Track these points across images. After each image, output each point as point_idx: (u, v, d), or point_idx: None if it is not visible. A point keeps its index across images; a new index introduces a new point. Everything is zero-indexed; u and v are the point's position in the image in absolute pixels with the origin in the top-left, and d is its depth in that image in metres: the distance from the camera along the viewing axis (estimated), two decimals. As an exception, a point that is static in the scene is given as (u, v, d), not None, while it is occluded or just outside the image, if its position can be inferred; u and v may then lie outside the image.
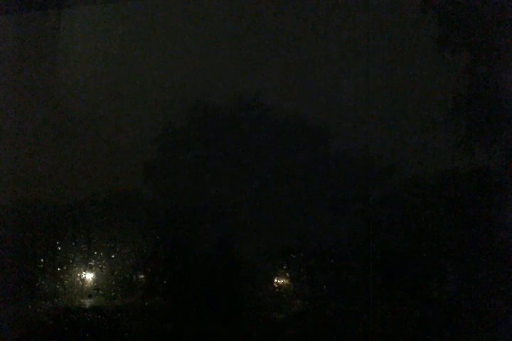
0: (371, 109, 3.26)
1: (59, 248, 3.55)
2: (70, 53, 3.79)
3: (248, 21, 3.54)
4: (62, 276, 3.54)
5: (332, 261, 3.29)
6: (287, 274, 3.38)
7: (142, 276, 3.53)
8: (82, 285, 3.52)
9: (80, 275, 3.53)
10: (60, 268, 3.54)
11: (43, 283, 3.54)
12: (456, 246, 3.09)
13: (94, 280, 3.52)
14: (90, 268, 3.52)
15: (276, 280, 3.40)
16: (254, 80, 3.49)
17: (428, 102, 3.18)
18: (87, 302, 3.50)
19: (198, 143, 3.61)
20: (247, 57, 3.52)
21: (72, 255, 3.54)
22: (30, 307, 3.55)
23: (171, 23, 3.66)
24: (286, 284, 3.38)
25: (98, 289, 3.50)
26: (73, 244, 3.54)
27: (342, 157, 3.39)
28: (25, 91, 3.79)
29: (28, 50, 3.84)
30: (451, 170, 3.12)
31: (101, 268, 3.50)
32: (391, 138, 3.22)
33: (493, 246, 3.03)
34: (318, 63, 3.41)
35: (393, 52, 3.26)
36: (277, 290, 3.37)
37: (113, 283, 3.49)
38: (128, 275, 3.49)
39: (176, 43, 3.62)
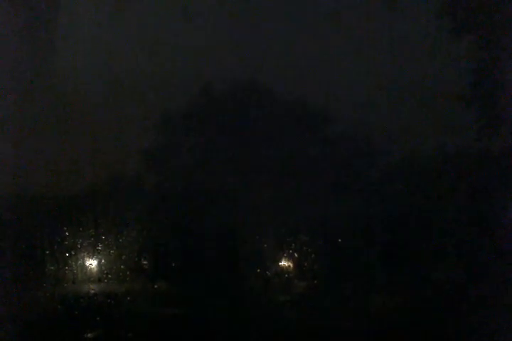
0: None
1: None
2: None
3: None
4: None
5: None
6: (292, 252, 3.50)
7: (149, 260, 3.59)
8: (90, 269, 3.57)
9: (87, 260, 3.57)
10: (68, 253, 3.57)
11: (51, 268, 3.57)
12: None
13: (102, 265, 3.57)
14: (98, 253, 3.56)
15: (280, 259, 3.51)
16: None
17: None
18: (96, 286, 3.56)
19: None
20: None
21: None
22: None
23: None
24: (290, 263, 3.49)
25: (107, 273, 3.55)
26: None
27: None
28: (26, 73, 3.76)
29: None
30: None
31: (109, 252, 3.55)
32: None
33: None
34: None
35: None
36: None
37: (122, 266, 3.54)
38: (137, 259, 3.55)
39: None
